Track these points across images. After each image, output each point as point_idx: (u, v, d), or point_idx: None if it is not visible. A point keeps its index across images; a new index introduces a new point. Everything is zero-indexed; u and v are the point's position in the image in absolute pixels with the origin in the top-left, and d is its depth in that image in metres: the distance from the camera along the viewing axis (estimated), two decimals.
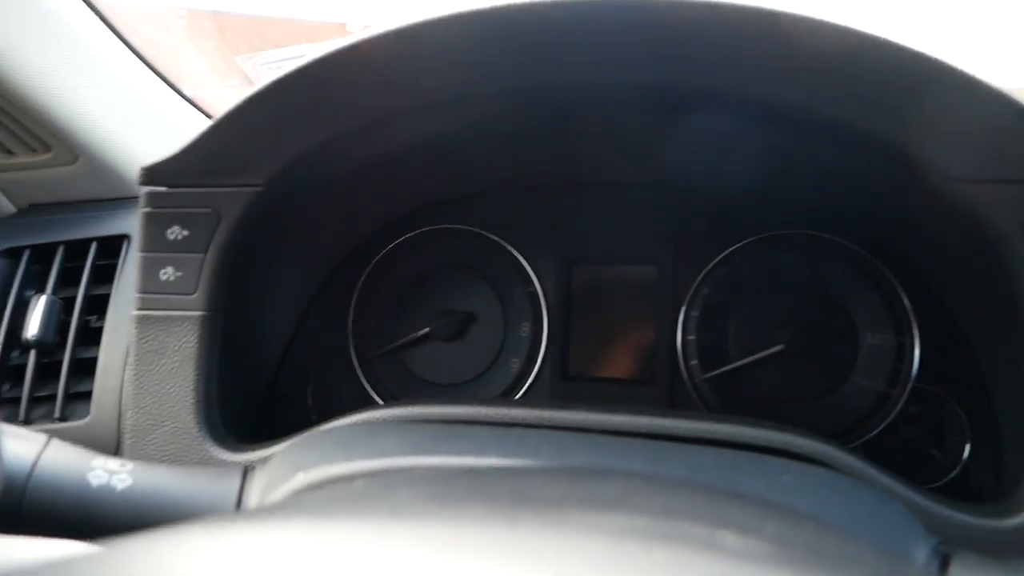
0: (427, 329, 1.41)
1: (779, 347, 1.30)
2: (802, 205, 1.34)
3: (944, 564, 0.72)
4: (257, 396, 1.30)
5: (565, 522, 0.39)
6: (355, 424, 0.94)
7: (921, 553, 0.72)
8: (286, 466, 0.79)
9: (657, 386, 1.36)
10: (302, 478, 0.73)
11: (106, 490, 0.76)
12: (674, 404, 1.35)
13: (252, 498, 0.77)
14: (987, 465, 1.19)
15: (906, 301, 1.29)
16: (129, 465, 0.79)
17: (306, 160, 0.98)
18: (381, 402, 1.43)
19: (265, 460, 1.03)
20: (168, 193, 1.02)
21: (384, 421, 0.99)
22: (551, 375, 1.39)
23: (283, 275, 1.26)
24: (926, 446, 1.27)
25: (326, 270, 1.41)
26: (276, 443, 1.04)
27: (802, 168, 1.18)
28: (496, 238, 1.43)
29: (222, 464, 1.05)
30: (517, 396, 1.40)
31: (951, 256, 1.16)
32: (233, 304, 1.11)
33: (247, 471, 0.85)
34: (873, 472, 0.90)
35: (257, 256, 1.13)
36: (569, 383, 1.39)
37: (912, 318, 1.29)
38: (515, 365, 1.41)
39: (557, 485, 0.51)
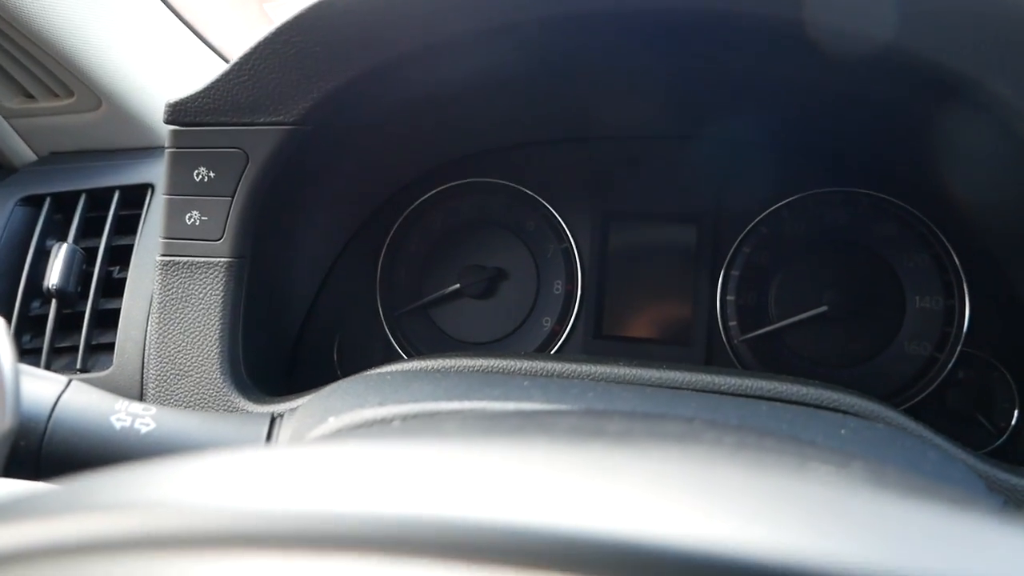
0: (457, 285, 1.37)
1: (822, 308, 1.25)
2: (852, 160, 1.28)
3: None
4: (283, 348, 1.27)
5: (639, 449, 0.35)
6: (387, 372, 0.91)
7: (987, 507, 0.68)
8: (316, 412, 0.76)
9: (693, 347, 1.31)
10: (333, 423, 0.70)
11: (130, 433, 0.73)
12: (710, 365, 1.30)
13: (281, 442, 0.73)
14: None
15: (957, 262, 1.23)
16: (153, 409, 0.76)
17: (337, 98, 0.93)
18: (406, 357, 1.39)
19: (293, 410, 1.01)
20: (194, 131, 0.98)
21: (417, 371, 0.96)
22: (584, 334, 1.35)
23: (312, 224, 1.23)
24: (973, 412, 1.22)
25: (355, 221, 1.37)
26: (302, 395, 1.01)
27: (856, 116, 1.11)
28: (530, 192, 1.39)
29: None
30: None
31: (1012, 212, 1.10)
32: (260, 251, 1.08)
33: (275, 418, 0.82)
34: (927, 433, 0.85)
35: (286, 202, 1.09)
36: (603, 342, 1.34)
37: (963, 280, 1.23)
38: (547, 324, 1.37)
39: (617, 423, 0.47)
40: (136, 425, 0.74)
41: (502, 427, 0.45)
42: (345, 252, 1.38)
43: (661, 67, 1.11)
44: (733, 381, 0.88)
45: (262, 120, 0.95)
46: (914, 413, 1.24)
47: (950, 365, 1.23)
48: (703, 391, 0.85)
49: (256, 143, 0.96)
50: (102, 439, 0.72)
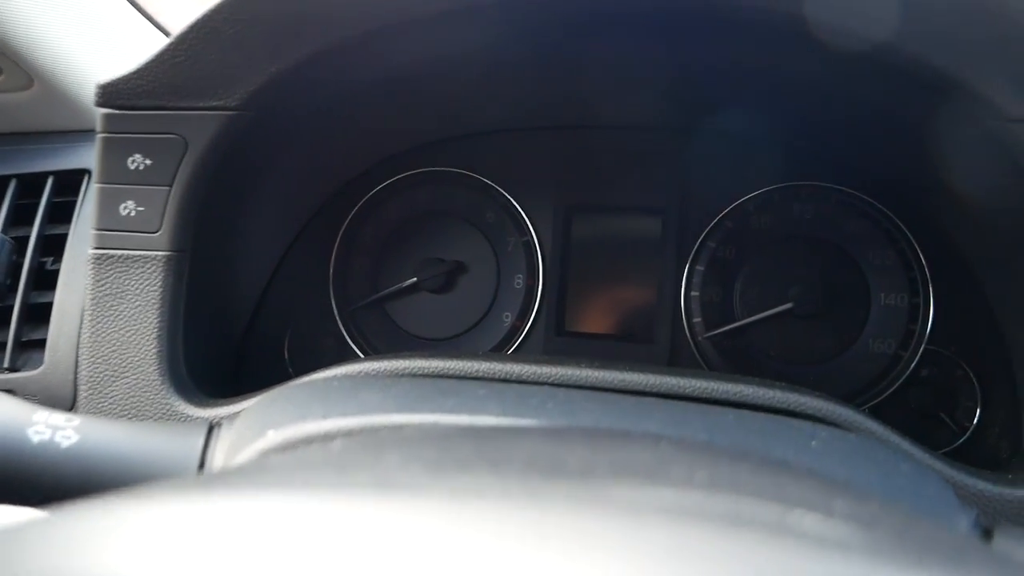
0: (414, 279, 1.32)
1: (787, 305, 1.22)
2: (820, 155, 1.25)
3: (987, 536, 0.66)
4: (228, 347, 1.21)
5: (600, 498, 0.31)
6: (333, 377, 0.86)
7: (962, 524, 0.66)
8: (256, 422, 0.70)
9: (657, 344, 1.28)
10: (273, 436, 0.65)
11: (49, 448, 0.66)
12: (674, 363, 1.27)
13: (217, 458, 0.68)
14: (1003, 431, 1.12)
15: (923, 260, 1.22)
16: (76, 420, 0.69)
17: (283, 82, 0.87)
18: (361, 355, 1.34)
19: (234, 416, 0.95)
20: (128, 116, 0.91)
21: (366, 375, 0.91)
22: (545, 330, 1.31)
23: (259, 214, 1.16)
24: (936, 410, 1.21)
25: (306, 212, 1.31)
26: (247, 398, 0.96)
27: (831, 110, 1.08)
28: (490, 183, 1.34)
29: (186, 420, 0.96)
30: (509, 352, 1.32)
31: (983, 210, 1.08)
32: (202, 244, 1.01)
33: (212, 428, 0.76)
34: (895, 438, 0.83)
35: (230, 191, 1.03)
36: (564, 339, 1.30)
37: (928, 278, 1.21)
38: (507, 319, 1.32)
39: (577, 450, 0.42)
40: (56, 438, 0.68)
41: (449, 457, 0.40)
42: (296, 244, 1.31)
43: (628, 55, 1.07)
44: (697, 384, 0.84)
45: (201, 104, 0.88)
46: (878, 411, 1.22)
47: (914, 363, 1.21)
48: (667, 395, 0.82)
49: (195, 129, 0.90)
50: (17, 454, 0.65)
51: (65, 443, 0.68)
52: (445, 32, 0.91)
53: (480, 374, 0.89)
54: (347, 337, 1.34)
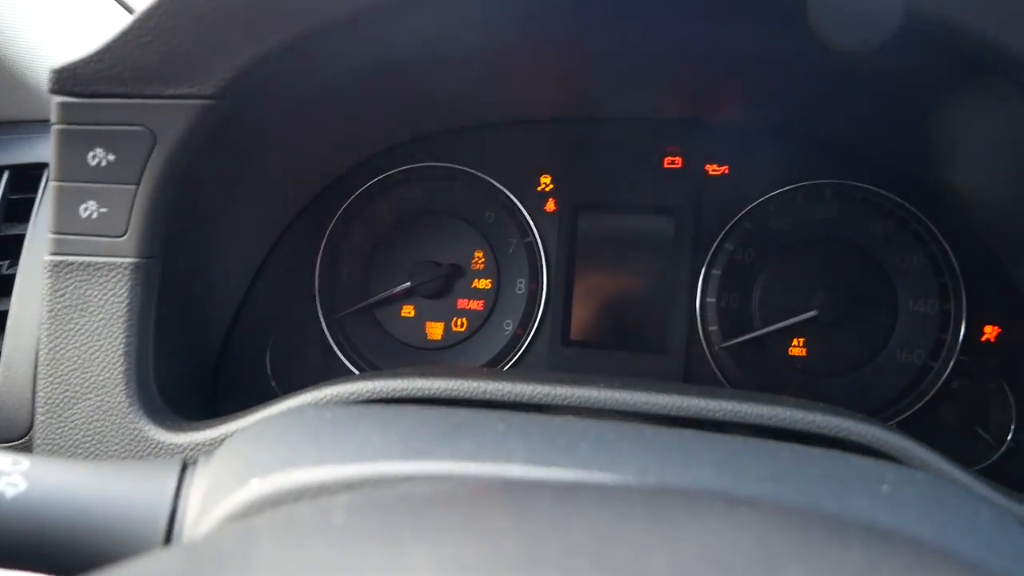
0: (407, 284, 1.22)
1: (811, 313, 1.14)
2: (844, 151, 1.16)
3: None
4: (205, 361, 1.10)
5: None
6: (325, 405, 0.76)
7: None
8: (237, 463, 0.60)
9: (671, 355, 1.19)
10: (257, 487, 0.54)
11: None
12: (689, 375, 1.18)
13: (190, 512, 0.57)
14: None
15: (955, 263, 1.14)
16: (24, 463, 0.59)
17: (264, 68, 0.76)
18: (351, 367, 1.24)
19: (212, 446, 0.85)
20: (88, 104, 0.80)
21: (362, 399, 0.81)
22: (550, 340, 1.21)
23: (239, 215, 1.05)
24: (969, 425, 1.13)
25: (290, 211, 1.20)
26: (227, 420, 0.86)
27: (855, 101, 1.00)
28: (489, 179, 1.24)
29: (157, 447, 0.86)
30: (510, 363, 1.22)
31: (1018, 210, 0.99)
32: (174, 249, 0.90)
33: (185, 467, 0.66)
34: (958, 471, 0.75)
35: (205, 190, 0.92)
36: (570, 349, 1.21)
37: (961, 283, 1.13)
38: (509, 327, 1.23)
39: (626, 535, 0.33)
40: (0, 487, 0.57)
41: (476, 544, 0.31)
42: (278, 246, 1.21)
43: (634, 40, 0.97)
44: (733, 408, 0.77)
45: (171, 92, 0.77)
46: (907, 425, 1.15)
47: (945, 375, 1.13)
48: (700, 419, 0.77)
49: (165, 120, 0.79)
50: None
51: (11, 492, 0.57)
52: (439, 14, 0.81)
53: (491, 396, 0.80)
54: (334, 347, 1.24)
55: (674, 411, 0.79)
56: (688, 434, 0.65)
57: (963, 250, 1.14)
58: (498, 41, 0.95)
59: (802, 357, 1.17)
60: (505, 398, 0.82)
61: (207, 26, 0.72)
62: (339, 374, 1.23)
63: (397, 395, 0.84)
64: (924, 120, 0.99)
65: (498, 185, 1.23)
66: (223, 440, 0.86)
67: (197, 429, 0.87)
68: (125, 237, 0.85)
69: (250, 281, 1.17)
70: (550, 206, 1.23)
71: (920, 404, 1.14)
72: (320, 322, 1.24)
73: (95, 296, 0.87)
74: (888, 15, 0.68)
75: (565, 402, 0.82)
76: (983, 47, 0.69)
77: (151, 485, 0.63)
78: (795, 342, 1.17)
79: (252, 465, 0.58)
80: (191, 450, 0.86)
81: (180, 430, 0.87)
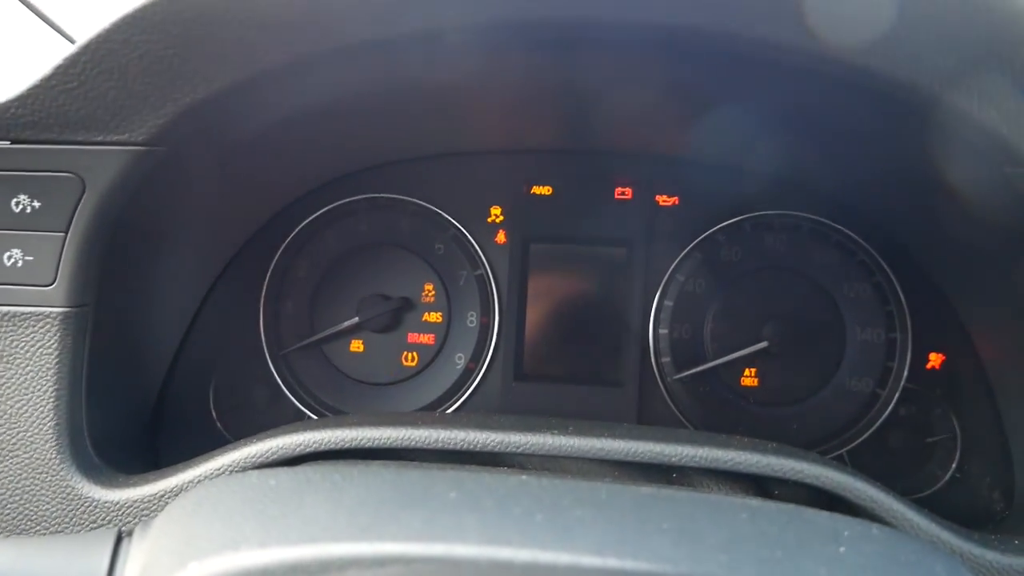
0: (355, 319, 1.18)
1: (762, 344, 1.14)
2: (792, 183, 1.17)
3: None
4: (143, 408, 1.06)
5: None
6: (269, 467, 0.73)
7: None
8: (175, 541, 0.57)
9: (624, 388, 1.18)
10: (196, 572, 0.51)
11: None
12: (643, 408, 1.18)
13: None
14: (994, 481, 1.07)
15: (900, 292, 1.15)
16: None
17: (202, 113, 0.73)
18: (299, 405, 1.20)
19: (151, 503, 0.81)
20: (10, 150, 0.76)
21: (309, 451, 0.79)
22: (503, 374, 1.19)
23: (176, 257, 1.01)
24: (916, 450, 1.15)
25: (230, 247, 1.16)
26: (166, 475, 0.82)
27: (803, 136, 1.00)
28: (438, 210, 1.21)
29: (91, 506, 0.83)
30: (462, 398, 1.20)
31: (961, 240, 1.01)
32: (108, 296, 0.86)
33: (120, 540, 0.63)
34: (911, 513, 0.76)
35: (140, 235, 0.88)
36: (524, 384, 1.19)
37: (906, 311, 1.15)
38: (461, 361, 1.20)
39: None
40: None
41: None
42: (219, 283, 1.16)
43: (587, 77, 0.96)
44: (690, 453, 0.79)
45: (101, 139, 0.73)
46: (857, 454, 1.16)
47: (892, 402, 1.15)
48: (657, 464, 0.79)
49: (94, 167, 0.75)
50: None
51: None
52: (385, 58, 0.79)
53: (444, 446, 0.78)
54: (281, 385, 1.20)
55: (629, 457, 0.79)
56: (645, 494, 0.64)
57: (907, 279, 1.15)
58: (444, 77, 0.93)
59: (754, 387, 1.17)
60: (458, 447, 0.80)
61: (134, 74, 0.69)
62: (286, 413, 1.20)
63: (345, 447, 0.81)
64: (870, 155, 1.00)
65: (447, 216, 1.21)
66: (162, 497, 0.82)
67: (135, 484, 0.83)
68: (53, 286, 0.81)
69: (190, 321, 1.13)
70: (500, 238, 1.21)
71: (869, 432, 1.15)
72: (266, 360, 1.20)
73: (21, 347, 0.82)
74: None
75: (519, 450, 0.80)
76: (902, 89, 0.70)
77: (82, 565, 0.59)
78: (747, 372, 1.17)
79: (191, 544, 0.55)
80: (128, 509, 0.82)
81: (116, 486, 0.83)
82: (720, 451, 0.79)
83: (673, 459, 0.79)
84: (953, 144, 0.75)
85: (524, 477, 0.65)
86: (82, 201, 0.76)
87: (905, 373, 1.15)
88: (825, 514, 0.65)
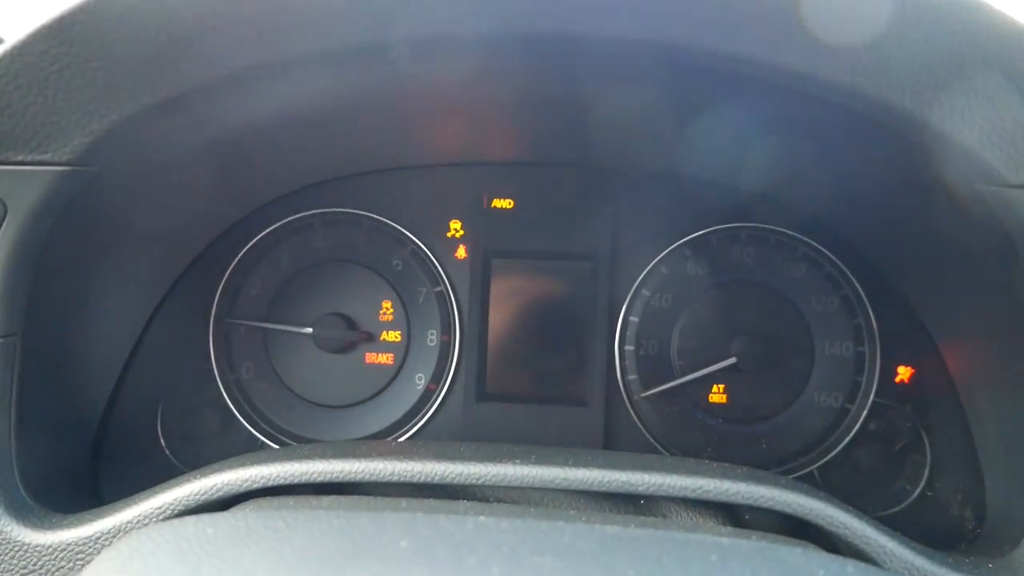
0: (309, 335, 1.13)
1: (730, 360, 1.12)
2: (758, 195, 1.14)
3: None
4: (82, 439, 1.00)
5: None
6: (217, 503, 0.68)
7: None
8: None
9: (591, 407, 1.14)
10: None
11: None
12: (610, 428, 1.14)
13: None
14: (965, 499, 1.05)
15: (868, 306, 1.14)
16: None
17: (132, 130, 0.67)
18: (252, 429, 1.15)
19: (87, 545, 0.75)
20: None
21: (257, 487, 0.74)
22: (464, 395, 1.15)
23: (113, 278, 0.95)
24: (886, 466, 1.13)
25: (178, 268, 1.10)
26: (102, 514, 0.77)
27: (769, 146, 0.97)
28: (395, 225, 1.17)
29: (22, 550, 0.77)
30: (423, 420, 1.16)
31: (931, 254, 0.99)
32: (37, 323, 0.81)
33: None
34: (884, 540, 0.74)
35: (72, 259, 0.82)
36: (486, 405, 1.15)
37: (874, 326, 1.13)
38: (421, 381, 1.16)
39: None
40: None
41: None
42: (165, 304, 1.10)
43: (553, 87, 0.93)
44: (656, 481, 0.76)
45: (20, 159, 0.68)
46: (827, 471, 1.14)
47: (862, 417, 1.13)
48: (622, 493, 0.77)
49: (15, 189, 0.69)
50: None
51: None
52: (334, 71, 0.74)
53: (399, 479, 0.74)
54: (233, 409, 1.15)
55: (594, 487, 0.76)
56: (610, 535, 0.60)
57: (875, 292, 1.14)
58: (399, 88, 0.89)
59: (723, 404, 1.15)
60: (416, 480, 0.76)
61: (55, 89, 0.63)
62: (239, 439, 1.15)
63: (296, 482, 0.77)
64: (837, 169, 0.98)
65: (405, 231, 1.17)
66: (99, 539, 0.77)
67: (69, 526, 0.78)
68: None
69: (133, 345, 1.07)
70: (461, 253, 1.17)
71: (838, 448, 1.13)
72: (216, 383, 1.15)
73: None
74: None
75: (479, 482, 0.77)
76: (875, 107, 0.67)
77: None
78: (715, 389, 1.15)
79: None
80: (62, 552, 0.77)
81: (49, 528, 0.78)
82: (689, 479, 0.76)
83: (640, 489, 0.76)
84: (925, 160, 0.72)
85: (482, 518, 0.61)
86: (3, 226, 0.71)
87: (874, 387, 1.13)
88: (799, 551, 0.62)
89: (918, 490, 1.12)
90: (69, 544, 0.77)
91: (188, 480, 0.76)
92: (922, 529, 1.07)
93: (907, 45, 0.61)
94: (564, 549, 0.56)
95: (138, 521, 0.75)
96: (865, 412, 1.13)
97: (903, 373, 1.13)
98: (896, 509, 1.13)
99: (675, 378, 1.14)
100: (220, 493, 0.75)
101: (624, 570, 0.53)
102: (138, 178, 0.80)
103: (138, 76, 0.62)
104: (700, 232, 1.16)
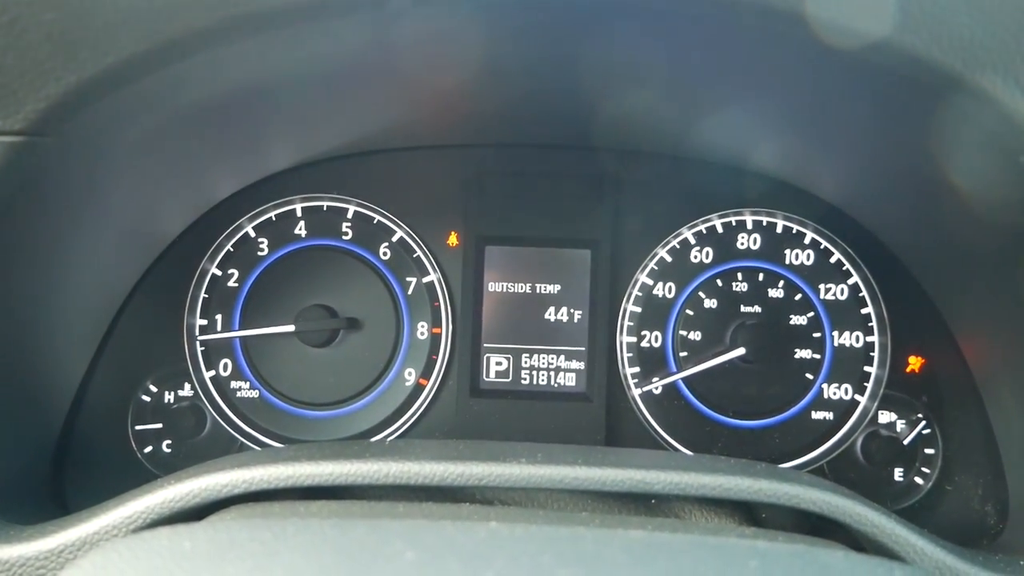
0: (292, 331, 1.06)
1: (739, 351, 1.06)
2: (764, 180, 1.09)
3: None
4: (44, 440, 0.92)
5: None
6: (193, 512, 0.62)
7: None
8: None
9: (591, 402, 1.09)
10: None
11: None
12: (612, 424, 1.09)
13: None
14: (986, 493, 1.01)
15: (879, 295, 1.09)
16: None
17: (95, 96, 0.60)
18: (230, 430, 1.08)
19: (48, 563, 0.69)
20: None
21: (239, 491, 0.67)
22: (458, 390, 1.09)
23: (79, 266, 0.88)
24: (897, 459, 1.09)
25: (148, 255, 1.03)
26: (67, 525, 0.70)
27: (810, 130, 0.92)
28: (382, 211, 1.11)
29: None
30: (414, 419, 1.10)
31: (966, 244, 0.94)
32: None
33: None
34: (927, 546, 0.69)
35: (26, 240, 0.75)
36: (480, 401, 1.09)
37: (886, 315, 1.09)
38: (411, 376, 1.10)
39: None
40: None
41: None
42: (135, 295, 1.03)
43: (553, 59, 0.86)
44: (677, 480, 0.71)
45: None
46: (837, 465, 1.09)
47: (872, 410, 1.09)
48: (635, 493, 0.72)
49: None
50: None
51: None
52: (319, 27, 0.67)
53: (395, 481, 0.68)
54: (208, 408, 1.08)
55: (608, 487, 0.70)
56: (636, 540, 0.54)
57: (887, 280, 1.09)
58: (386, 59, 0.82)
59: (730, 398, 1.09)
60: (413, 483, 0.70)
61: (5, 46, 0.55)
62: (217, 440, 1.09)
63: (281, 486, 0.70)
64: (858, 150, 0.93)
65: (393, 218, 1.10)
66: (62, 552, 0.70)
67: (30, 538, 0.71)
68: None
69: (101, 339, 1.00)
70: (453, 240, 1.11)
71: (849, 442, 1.09)
72: (191, 380, 1.08)
73: None
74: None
75: (485, 483, 0.71)
76: (926, 70, 0.62)
77: None
78: (722, 382, 1.09)
79: None
80: (21, 568, 0.70)
81: (7, 540, 0.72)
82: (710, 477, 0.71)
83: (659, 488, 0.71)
84: (960, 134, 0.67)
85: (493, 524, 0.55)
86: None
87: (885, 379, 1.08)
88: (840, 555, 0.57)
89: (930, 484, 1.08)
90: (29, 559, 0.70)
91: (161, 486, 0.70)
92: (941, 524, 1.03)
93: (966, 3, 0.55)
94: (591, 559, 0.50)
95: (106, 532, 0.69)
96: (876, 405, 1.09)
97: (913, 363, 1.09)
98: (907, 504, 1.08)
99: (679, 371, 1.08)
100: (197, 500, 0.69)
101: None
102: (102, 153, 0.73)
103: (100, 31, 0.55)
104: (704, 218, 1.10)
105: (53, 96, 0.57)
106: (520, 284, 1.11)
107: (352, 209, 1.11)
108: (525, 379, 1.10)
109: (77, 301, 0.92)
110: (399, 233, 1.11)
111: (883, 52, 0.58)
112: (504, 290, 1.11)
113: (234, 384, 1.09)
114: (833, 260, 1.10)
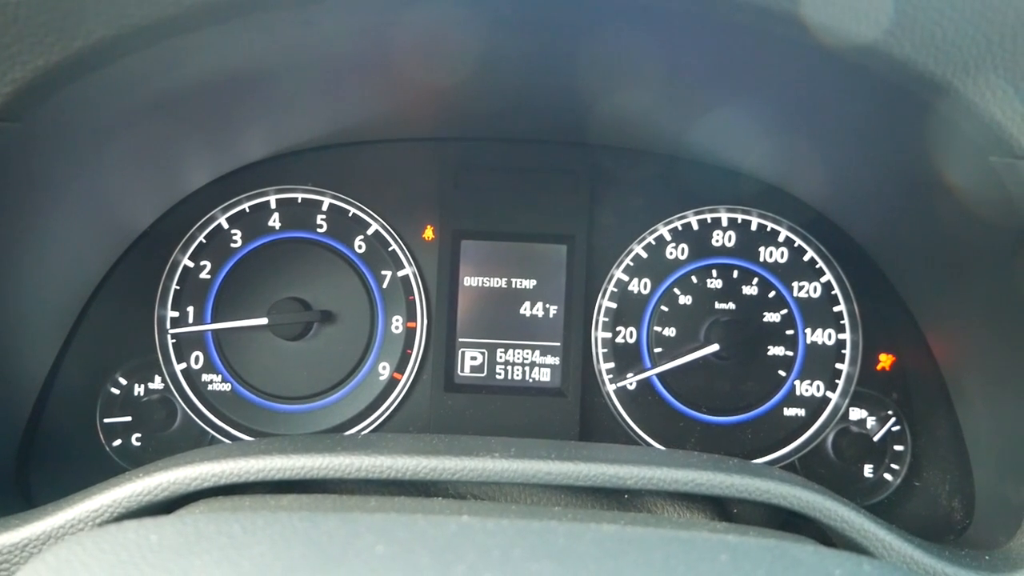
0: (264, 324, 1.05)
1: (713, 348, 1.07)
2: (740, 178, 1.10)
3: None
4: (10, 432, 0.90)
5: None
6: (160, 507, 0.61)
7: None
8: None
9: (566, 397, 1.08)
10: None
11: None
12: (586, 419, 1.09)
13: None
14: (953, 489, 1.02)
15: (851, 291, 1.10)
16: None
17: (62, 81, 0.59)
18: (201, 423, 1.07)
19: (11, 559, 0.68)
20: None
21: (208, 485, 0.66)
22: (432, 385, 1.08)
23: (46, 256, 0.86)
24: (868, 456, 1.10)
25: (118, 246, 1.01)
26: (31, 518, 0.69)
27: (788, 128, 0.92)
28: (357, 203, 1.10)
29: None
30: (387, 413, 1.09)
31: (938, 243, 0.95)
32: None
33: None
34: (894, 541, 0.70)
35: None
36: (454, 395, 1.08)
37: (857, 312, 1.10)
38: (385, 371, 1.09)
39: None
40: None
41: None
42: (105, 286, 1.02)
43: (526, 50, 0.85)
44: (649, 474, 0.71)
45: None
46: (808, 462, 1.10)
47: (843, 407, 1.10)
48: (608, 488, 0.71)
49: None
50: None
51: None
52: (291, 17, 0.66)
53: (369, 474, 0.67)
54: (179, 401, 1.06)
55: (581, 482, 0.70)
56: (608, 534, 0.54)
57: (859, 278, 1.10)
58: (366, 48, 0.81)
59: (703, 394, 1.10)
60: (386, 476, 0.69)
61: None
62: (188, 434, 1.07)
63: (251, 479, 0.69)
64: (838, 149, 0.93)
65: (368, 211, 1.09)
66: (26, 547, 0.69)
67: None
68: None
69: (69, 330, 0.98)
70: (428, 234, 1.11)
71: (820, 438, 1.10)
72: (162, 373, 1.06)
73: None
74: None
75: (458, 477, 0.70)
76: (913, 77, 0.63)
77: None
78: (696, 377, 1.10)
79: None
80: None
81: None
82: (682, 472, 0.72)
83: (632, 483, 0.71)
84: (936, 135, 0.68)
85: (465, 518, 0.55)
86: None
87: (856, 376, 1.10)
88: (809, 549, 0.57)
89: (899, 480, 1.09)
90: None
91: (129, 479, 0.69)
92: (908, 520, 1.04)
93: (947, 8, 0.56)
94: (562, 553, 0.50)
95: (71, 526, 0.68)
96: (847, 401, 1.10)
97: (884, 360, 1.10)
98: (876, 500, 1.10)
99: (654, 366, 1.09)
100: (165, 493, 0.68)
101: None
102: (71, 140, 0.71)
103: (68, 15, 0.54)
104: (680, 215, 1.11)
105: (20, 80, 0.56)
106: (496, 279, 1.11)
107: (327, 201, 1.10)
108: (500, 374, 1.10)
109: (44, 291, 0.90)
110: (374, 226, 1.10)
111: (867, 54, 0.58)
112: (480, 284, 1.11)
113: (205, 377, 1.07)
114: (807, 258, 1.11)
